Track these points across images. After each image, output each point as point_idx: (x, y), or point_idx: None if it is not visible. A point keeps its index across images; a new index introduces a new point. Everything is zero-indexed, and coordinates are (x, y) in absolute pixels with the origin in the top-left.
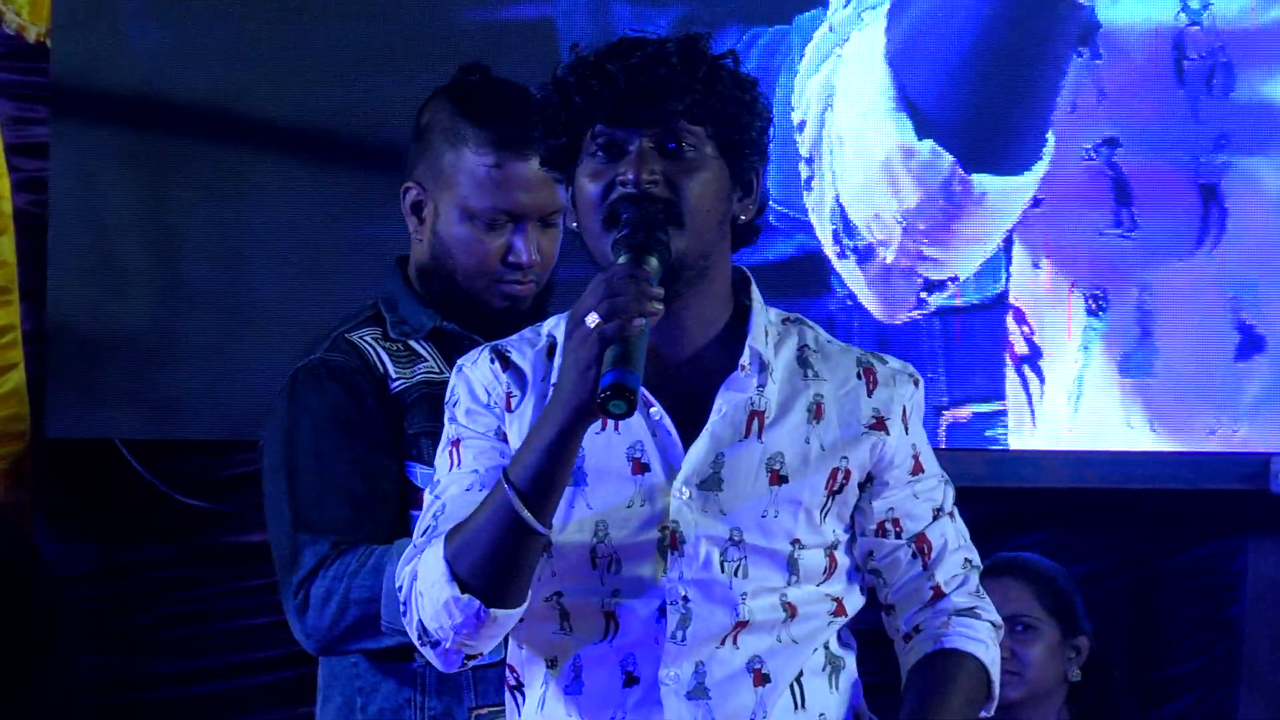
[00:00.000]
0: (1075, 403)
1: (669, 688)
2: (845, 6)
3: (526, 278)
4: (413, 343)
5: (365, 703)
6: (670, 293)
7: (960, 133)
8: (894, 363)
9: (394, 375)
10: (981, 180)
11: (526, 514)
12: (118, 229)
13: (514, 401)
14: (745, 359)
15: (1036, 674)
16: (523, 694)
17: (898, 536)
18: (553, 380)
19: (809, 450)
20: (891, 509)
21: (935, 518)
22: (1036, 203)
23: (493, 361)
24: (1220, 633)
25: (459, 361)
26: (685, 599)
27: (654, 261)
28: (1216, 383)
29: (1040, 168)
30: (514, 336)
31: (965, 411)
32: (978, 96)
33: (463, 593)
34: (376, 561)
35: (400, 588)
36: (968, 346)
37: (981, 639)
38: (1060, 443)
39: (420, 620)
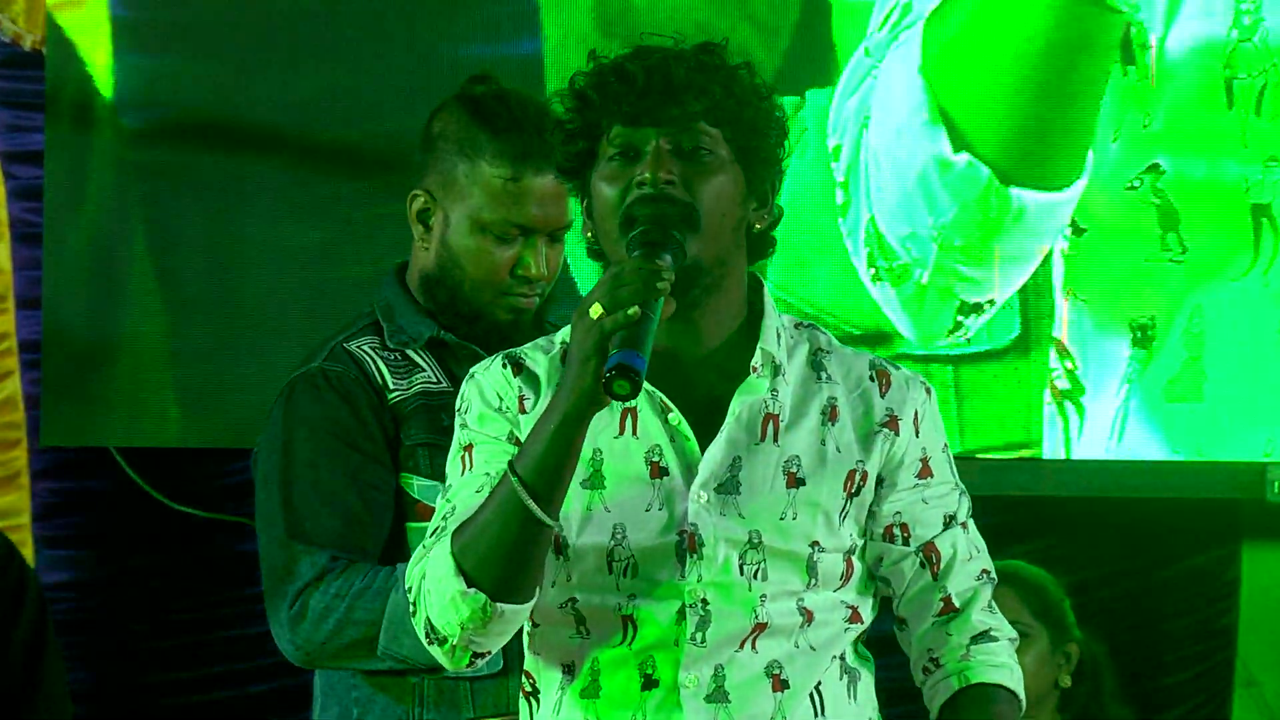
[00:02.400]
0: (1120, 433)
1: (689, 690)
2: (880, 30)
3: (533, 291)
4: (410, 352)
5: (362, 713)
6: (686, 298)
7: (997, 146)
8: (906, 371)
9: (392, 386)
10: (1020, 195)
11: (532, 504)
12: (113, 237)
13: (527, 404)
14: (757, 360)
15: (1028, 681)
16: (537, 700)
17: (905, 543)
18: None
19: (825, 452)
20: (899, 512)
21: (946, 526)
22: (1079, 232)
23: (505, 366)
24: (1216, 641)
25: (472, 370)
26: (704, 601)
27: (667, 258)
28: (1269, 405)
29: (1081, 185)
30: (527, 345)
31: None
32: (1015, 109)
33: (469, 587)
34: (382, 585)
35: (410, 589)
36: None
37: (1003, 663)
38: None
39: (428, 617)
